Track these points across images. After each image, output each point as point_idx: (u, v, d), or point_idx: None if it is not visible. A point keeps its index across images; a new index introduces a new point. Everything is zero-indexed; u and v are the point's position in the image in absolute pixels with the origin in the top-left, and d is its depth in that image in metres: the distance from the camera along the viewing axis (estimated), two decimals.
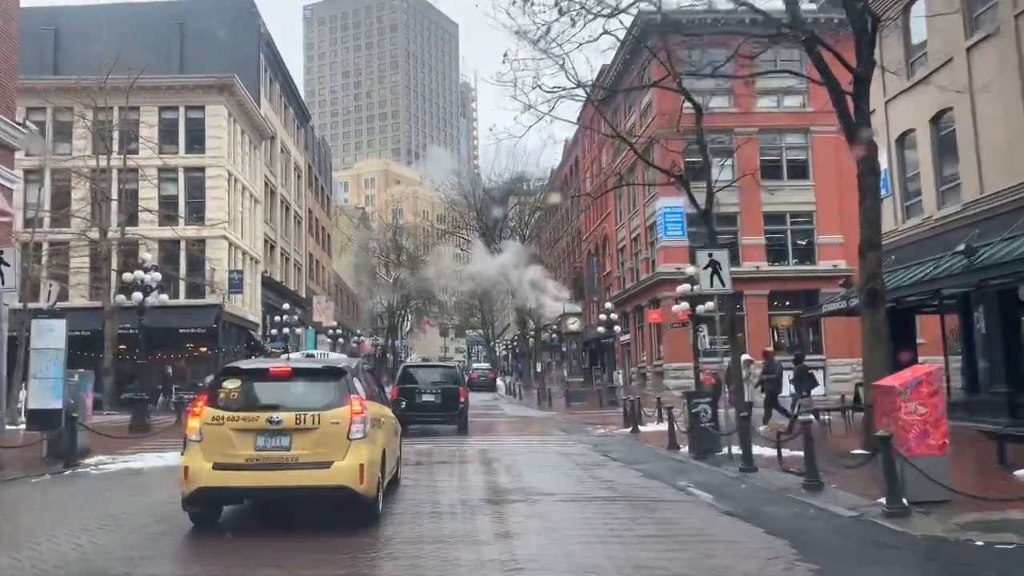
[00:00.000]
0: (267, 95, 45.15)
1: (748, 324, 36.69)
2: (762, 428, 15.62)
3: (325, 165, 67.04)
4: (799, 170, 39.41)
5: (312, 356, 11.95)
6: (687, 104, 21.12)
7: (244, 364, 8.74)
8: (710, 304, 23.41)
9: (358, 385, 8.31)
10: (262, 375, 8.25)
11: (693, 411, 13.98)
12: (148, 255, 20.59)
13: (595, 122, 52.92)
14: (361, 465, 7.55)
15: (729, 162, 39.23)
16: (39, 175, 35.62)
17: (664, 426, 20.40)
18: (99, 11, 40.31)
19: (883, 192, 20.25)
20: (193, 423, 7.76)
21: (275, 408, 7.66)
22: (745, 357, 19.15)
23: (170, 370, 33.70)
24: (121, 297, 19.98)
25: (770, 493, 9.79)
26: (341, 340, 48.41)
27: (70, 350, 33.71)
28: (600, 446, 16.41)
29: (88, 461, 13.60)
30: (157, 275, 20.65)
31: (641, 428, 19.59)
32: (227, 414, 7.62)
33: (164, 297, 21.73)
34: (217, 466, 7.45)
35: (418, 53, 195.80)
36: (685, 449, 14.77)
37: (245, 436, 7.52)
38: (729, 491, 10.04)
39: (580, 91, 17.48)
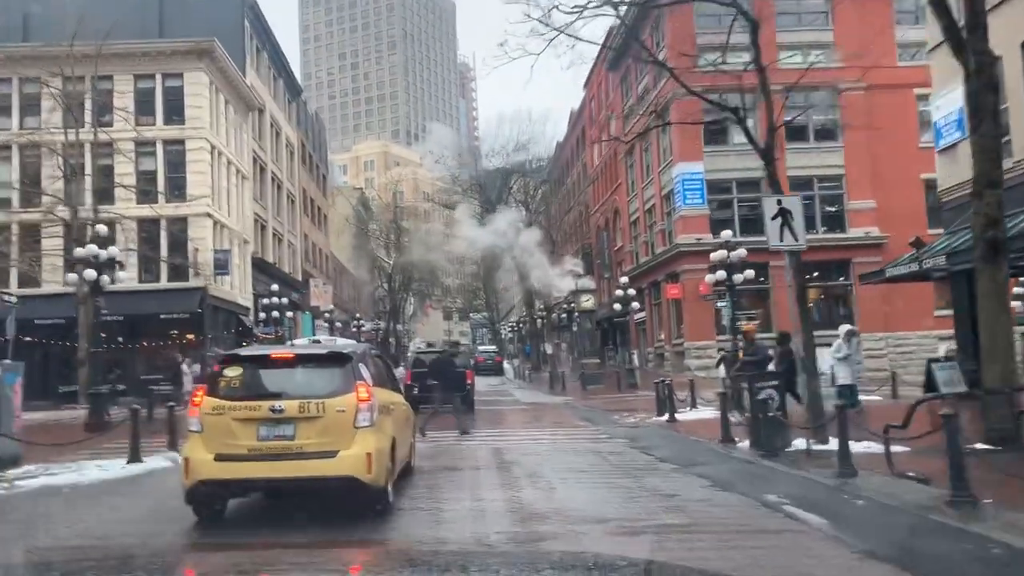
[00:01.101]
0: (253, 64, 42.27)
1: (773, 297, 34.00)
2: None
3: (320, 142, 64.14)
4: (827, 131, 36.57)
5: (318, 342, 11.38)
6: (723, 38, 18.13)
7: (245, 351, 8.75)
8: (749, 272, 20.73)
9: (364, 371, 8.07)
10: (264, 362, 8.16)
11: (758, 397, 11.30)
12: (103, 227, 17.87)
13: (604, 84, 50.06)
14: (369, 454, 7.38)
15: (750, 123, 36.44)
16: (7, 151, 33.02)
17: (702, 413, 17.83)
18: None
19: (957, 133, 17.50)
20: (194, 413, 7.60)
21: (278, 396, 7.55)
22: (847, 328, 16.33)
23: (180, 356, 30.01)
24: (71, 276, 17.33)
25: (902, 513, 7.12)
26: (339, 325, 45.71)
27: (43, 340, 31.62)
28: (637, 440, 13.76)
29: (9, 473, 10.97)
30: (115, 250, 17.93)
31: (678, 416, 16.92)
32: (228, 403, 7.51)
33: (121, 276, 19.04)
34: (219, 457, 7.34)
35: (415, 32, 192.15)
36: (744, 444, 12.14)
37: (247, 426, 7.42)
38: (842, 510, 7.40)
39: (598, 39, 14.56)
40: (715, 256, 19.95)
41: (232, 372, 7.89)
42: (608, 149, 48.60)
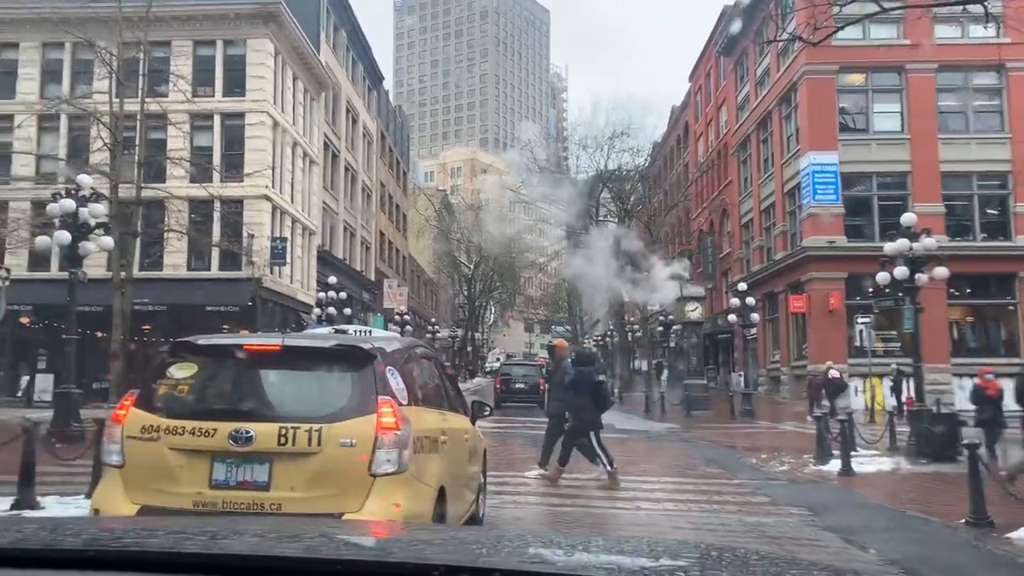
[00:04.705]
0: (329, 42, 38.85)
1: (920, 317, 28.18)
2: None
3: (402, 136, 60.80)
4: (990, 119, 30.61)
5: (344, 332, 8.21)
6: None
7: (206, 338, 5.34)
8: (940, 271, 15.40)
9: (396, 379, 5.04)
10: (232, 357, 5.09)
11: None
12: (86, 178, 14.03)
13: (715, 72, 44.81)
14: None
15: (897, 108, 30.84)
16: (55, 120, 30.19)
17: (879, 463, 12.72)
18: None
19: None
20: (112, 435, 4.88)
21: (247, 416, 4.75)
22: None
23: None
24: (44, 239, 13.52)
25: None
26: (410, 328, 41.74)
27: (79, 330, 28.48)
28: (819, 512, 8.70)
29: None
30: (98, 208, 13.98)
31: (856, 466, 11.83)
32: (167, 423, 4.74)
33: (108, 240, 15.09)
34: (145, 511, 4.53)
35: (508, 41, 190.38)
36: (1019, 533, 7.12)
37: (194, 462, 4.69)
38: None
39: None
40: (891, 247, 14.70)
41: (180, 371, 5.07)
42: (717, 143, 43.34)
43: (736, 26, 38.11)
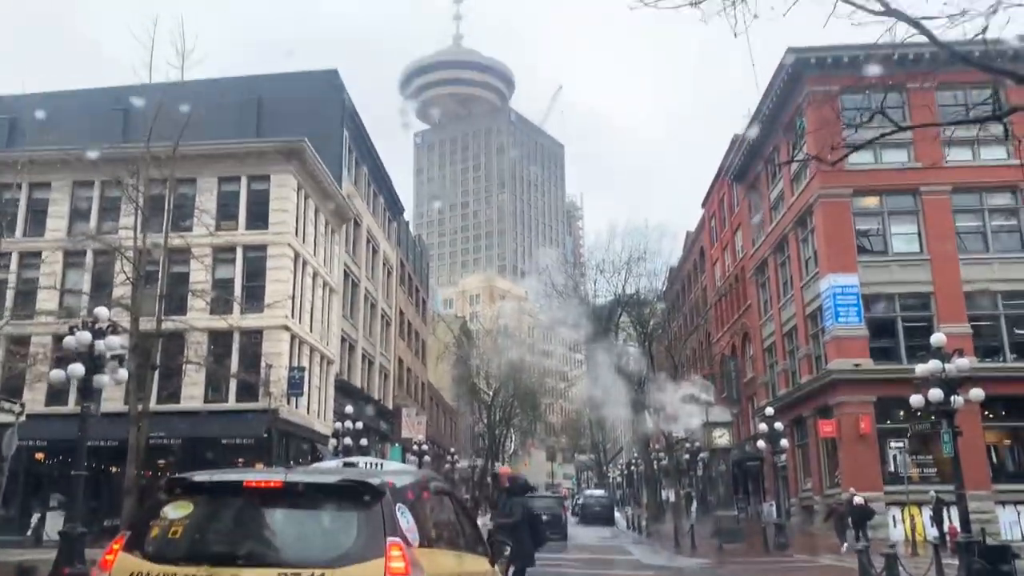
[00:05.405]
0: (351, 176, 39.96)
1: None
2: None
3: (421, 265, 61.60)
4: (1009, 238, 30.50)
5: (354, 465, 7.36)
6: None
7: (202, 474, 5.01)
8: (976, 392, 14.84)
9: (405, 519, 4.72)
10: (230, 493, 4.83)
11: None
12: (104, 310, 14.05)
13: (728, 197, 45.42)
14: None
15: (914, 229, 30.86)
16: (80, 256, 30.77)
17: None
18: (174, 88, 36.39)
19: None
20: None
21: (243, 559, 4.41)
22: None
23: None
24: (58, 372, 13.32)
25: None
26: (428, 459, 40.82)
27: (93, 465, 28.00)
28: None
29: None
30: (114, 341, 13.88)
31: None
32: (156, 569, 4.41)
33: (122, 372, 14.91)
34: None
35: (524, 173, 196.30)
36: None
37: None
38: None
39: None
40: (923, 369, 14.24)
41: (175, 511, 4.71)
42: (734, 267, 43.45)
43: (747, 153, 38.94)
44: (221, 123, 31.57)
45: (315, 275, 33.81)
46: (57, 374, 13.26)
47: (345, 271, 38.55)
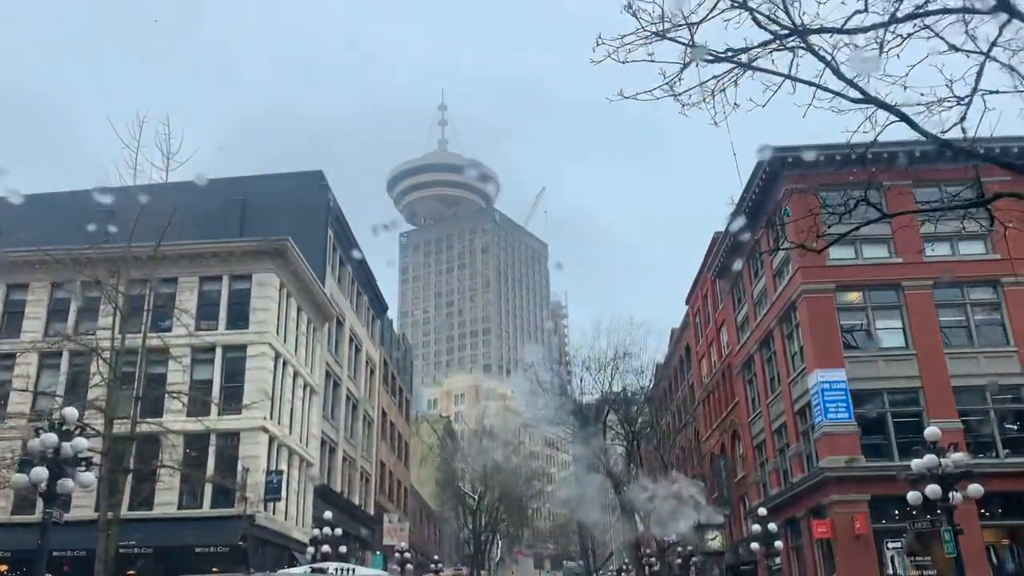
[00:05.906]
0: (335, 275, 39.89)
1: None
2: None
3: (405, 365, 60.97)
4: (992, 332, 30.44)
5: (323, 572, 8.25)
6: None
7: None
8: (975, 488, 14.39)
9: None
10: None
11: None
12: (71, 411, 13.54)
13: (712, 294, 45.55)
14: None
15: (898, 324, 30.84)
16: (56, 357, 30.13)
17: None
18: (157, 189, 36.57)
19: None
20: None
21: None
22: None
23: None
24: (20, 476, 12.66)
25: None
26: (410, 567, 39.22)
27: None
28: None
29: None
30: (81, 442, 13.29)
31: None
32: None
33: (89, 476, 14.21)
34: None
35: (508, 272, 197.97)
36: None
37: None
38: None
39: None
40: (919, 464, 13.83)
41: None
42: (720, 363, 43.16)
43: (728, 249, 39.26)
44: (205, 223, 31.62)
45: (295, 375, 33.24)
46: (20, 478, 12.63)
47: (327, 371, 37.97)
